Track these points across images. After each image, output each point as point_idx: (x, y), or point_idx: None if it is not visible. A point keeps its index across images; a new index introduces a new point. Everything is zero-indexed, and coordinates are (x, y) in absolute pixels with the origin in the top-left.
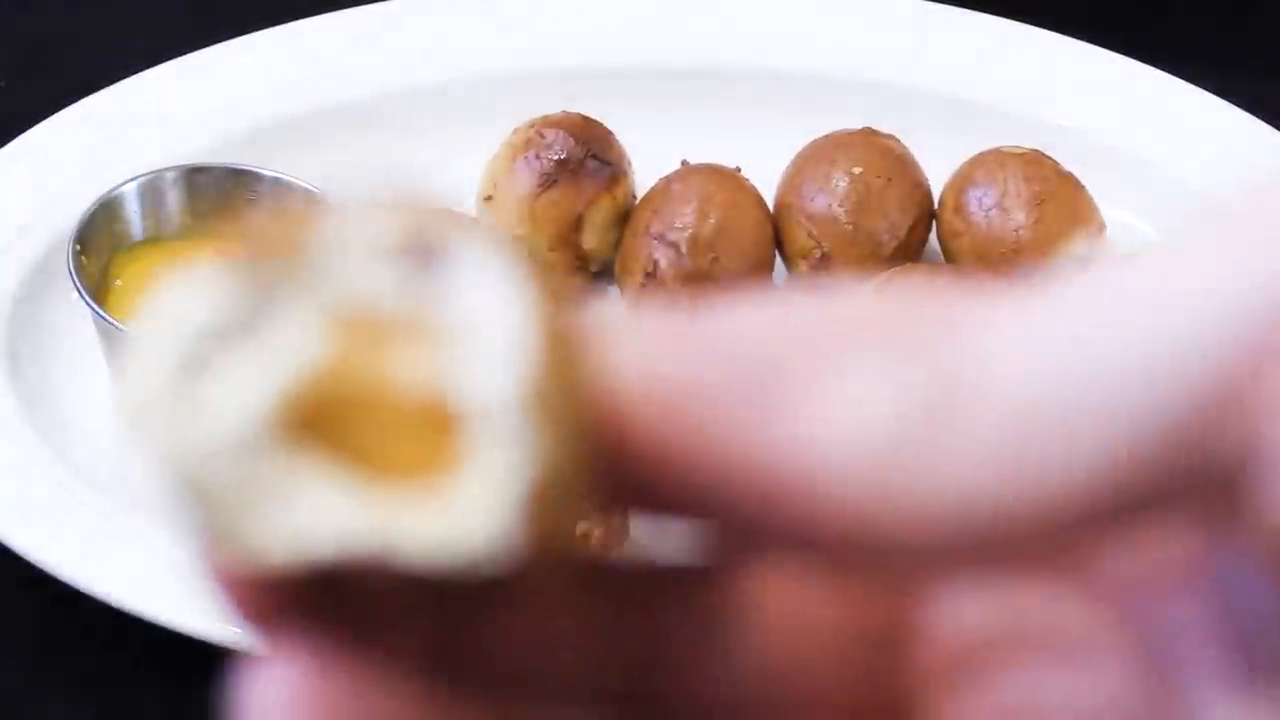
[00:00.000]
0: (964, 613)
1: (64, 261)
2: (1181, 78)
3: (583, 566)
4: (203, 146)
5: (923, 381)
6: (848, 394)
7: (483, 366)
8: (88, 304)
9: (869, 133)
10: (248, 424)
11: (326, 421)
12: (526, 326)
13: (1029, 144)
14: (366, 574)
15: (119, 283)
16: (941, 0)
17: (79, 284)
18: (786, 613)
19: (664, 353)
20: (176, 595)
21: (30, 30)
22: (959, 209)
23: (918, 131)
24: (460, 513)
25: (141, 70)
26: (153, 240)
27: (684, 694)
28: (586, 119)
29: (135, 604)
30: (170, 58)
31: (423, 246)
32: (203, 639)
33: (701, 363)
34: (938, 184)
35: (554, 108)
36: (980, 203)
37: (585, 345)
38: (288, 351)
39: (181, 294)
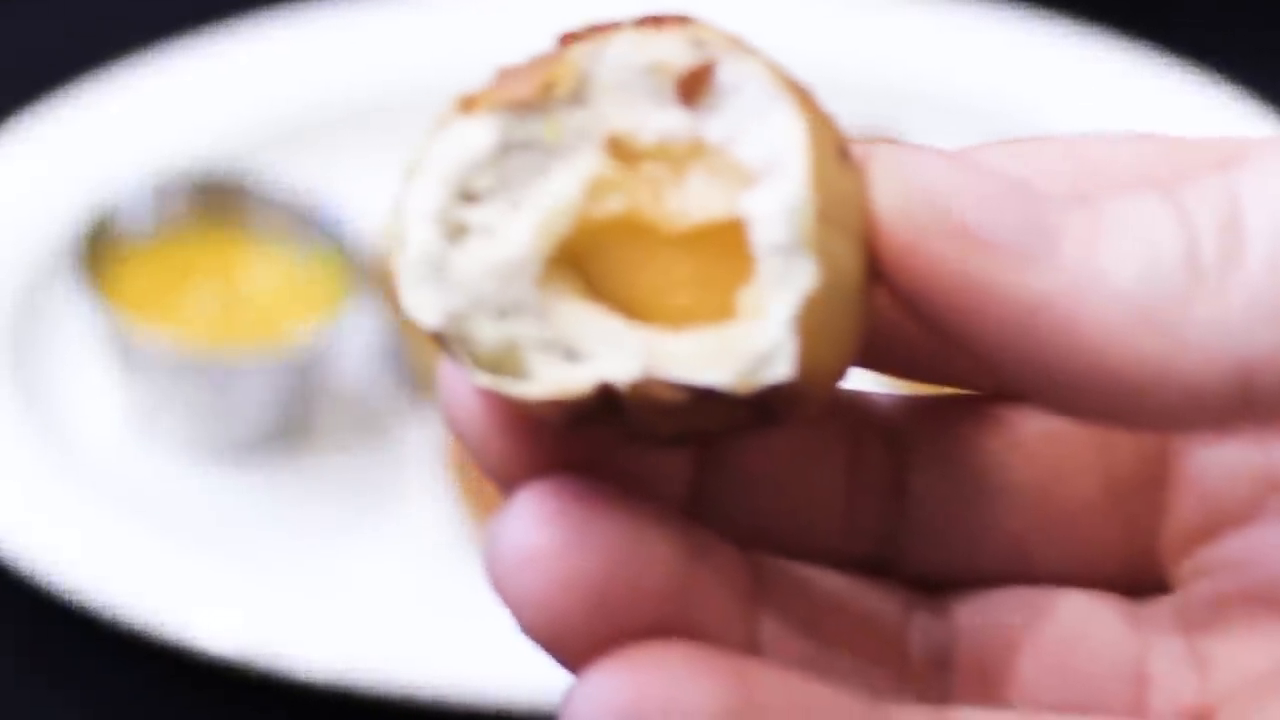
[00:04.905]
0: (1224, 461)
1: (64, 261)
2: (1185, 74)
3: (843, 403)
4: (202, 146)
5: (1207, 220)
6: (1127, 232)
7: (762, 196)
8: (88, 304)
9: (869, 133)
10: (522, 260)
11: (600, 249)
12: (805, 155)
13: None
14: (634, 402)
15: (119, 283)
16: None
17: (79, 284)
18: (1047, 450)
19: (934, 185)
20: (175, 597)
21: (29, 30)
22: None
23: (917, 131)
24: (738, 338)
25: (141, 70)
26: (153, 240)
27: (930, 561)
28: None
29: (134, 605)
30: (170, 57)
31: (697, 72)
32: (200, 642)
33: (972, 198)
34: None
35: None
36: None
37: (858, 176)
38: (561, 183)
39: (451, 135)
